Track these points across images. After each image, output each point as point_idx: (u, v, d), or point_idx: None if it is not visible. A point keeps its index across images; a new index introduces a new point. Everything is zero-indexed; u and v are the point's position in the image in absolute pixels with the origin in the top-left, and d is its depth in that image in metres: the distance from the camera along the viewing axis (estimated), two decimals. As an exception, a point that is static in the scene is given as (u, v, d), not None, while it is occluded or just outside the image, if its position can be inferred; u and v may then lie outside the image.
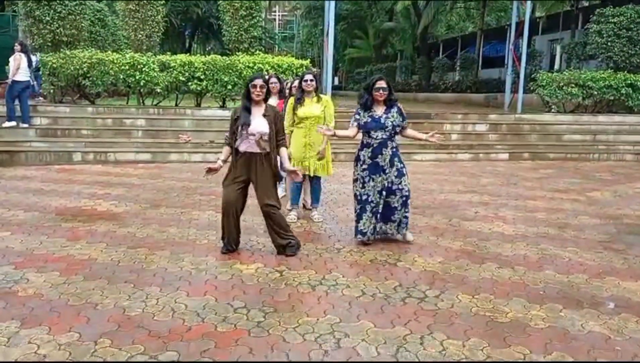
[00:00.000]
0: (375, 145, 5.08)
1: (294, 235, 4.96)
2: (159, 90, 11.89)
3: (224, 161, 4.85)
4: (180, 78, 11.84)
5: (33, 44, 13.57)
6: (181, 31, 30.38)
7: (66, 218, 5.95)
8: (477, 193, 7.93)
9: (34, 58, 11.47)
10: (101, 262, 4.53)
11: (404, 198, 5.15)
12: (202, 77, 11.93)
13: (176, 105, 12.69)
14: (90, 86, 11.61)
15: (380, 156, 5.08)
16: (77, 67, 11.37)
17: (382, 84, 5.04)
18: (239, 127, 4.65)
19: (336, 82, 39.08)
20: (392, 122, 5.06)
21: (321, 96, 5.98)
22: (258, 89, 4.66)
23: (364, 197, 5.13)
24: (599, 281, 4.36)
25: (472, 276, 4.42)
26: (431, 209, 6.77)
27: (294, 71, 12.30)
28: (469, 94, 22.00)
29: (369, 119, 5.09)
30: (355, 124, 5.17)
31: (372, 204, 5.11)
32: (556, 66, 20.56)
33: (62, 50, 12.25)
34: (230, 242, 4.87)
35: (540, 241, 5.48)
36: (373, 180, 5.10)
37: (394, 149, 5.13)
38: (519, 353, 3.13)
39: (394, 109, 5.12)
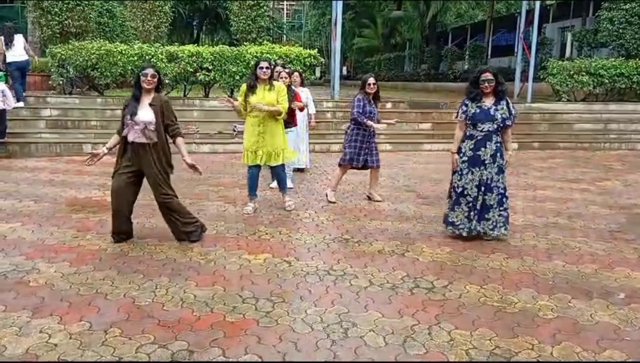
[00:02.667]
0: (479, 137, 4.94)
1: (195, 218, 4.96)
2: (167, 81, 11.91)
3: (109, 149, 4.78)
4: (189, 69, 11.85)
5: (42, 35, 13.67)
6: (189, 22, 30.40)
7: (76, 209, 6.01)
8: (486, 183, 7.88)
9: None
10: (111, 252, 4.57)
11: (500, 196, 5.00)
12: (210, 67, 11.94)
13: (184, 96, 12.71)
14: (99, 77, 11.66)
15: (483, 148, 4.93)
16: (86, 58, 11.41)
17: (487, 76, 4.87)
18: (127, 116, 4.60)
19: (344, 72, 38.95)
20: (501, 115, 4.90)
21: (274, 83, 5.80)
22: (149, 78, 4.60)
23: (460, 189, 5.03)
24: (609, 272, 4.33)
25: (481, 266, 4.41)
26: (440, 199, 6.74)
27: (302, 60, 12.27)
28: (479, 83, 21.78)
29: (478, 110, 4.93)
30: (463, 116, 4.99)
31: (469, 199, 4.99)
32: (567, 54, 20.31)
33: (70, 41, 12.29)
34: (120, 234, 4.84)
35: (549, 231, 5.46)
36: (472, 173, 4.97)
37: (498, 144, 4.97)
38: (527, 343, 3.12)
39: (504, 102, 4.95)
